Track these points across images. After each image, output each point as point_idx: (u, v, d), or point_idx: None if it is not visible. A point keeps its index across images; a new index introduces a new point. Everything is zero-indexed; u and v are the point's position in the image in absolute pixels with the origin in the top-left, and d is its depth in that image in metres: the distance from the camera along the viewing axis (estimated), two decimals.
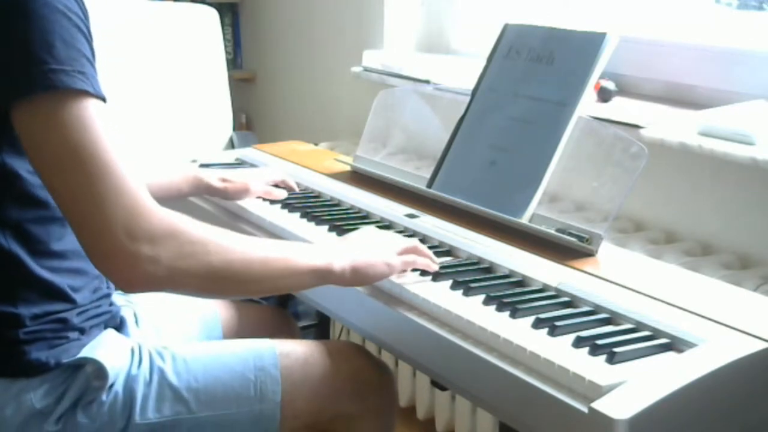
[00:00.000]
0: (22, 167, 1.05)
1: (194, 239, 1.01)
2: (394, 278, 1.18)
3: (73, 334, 1.12)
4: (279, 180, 1.64)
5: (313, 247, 1.17)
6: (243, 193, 1.57)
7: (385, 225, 1.43)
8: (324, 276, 1.12)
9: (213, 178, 1.57)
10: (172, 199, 1.55)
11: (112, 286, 1.22)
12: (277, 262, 1.08)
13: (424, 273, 1.21)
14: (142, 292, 1.04)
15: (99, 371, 1.12)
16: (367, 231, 1.24)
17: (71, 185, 0.97)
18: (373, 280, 1.17)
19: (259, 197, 1.59)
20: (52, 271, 1.10)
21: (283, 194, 1.60)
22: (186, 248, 1.00)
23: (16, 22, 0.96)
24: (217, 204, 1.62)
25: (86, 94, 0.98)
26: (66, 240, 1.10)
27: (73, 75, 0.97)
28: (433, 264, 1.21)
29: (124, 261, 0.97)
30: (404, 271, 1.19)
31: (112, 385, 1.13)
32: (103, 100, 1.00)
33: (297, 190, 1.64)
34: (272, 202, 1.57)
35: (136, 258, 0.96)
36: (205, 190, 1.57)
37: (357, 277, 1.15)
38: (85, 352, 1.11)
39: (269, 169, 1.70)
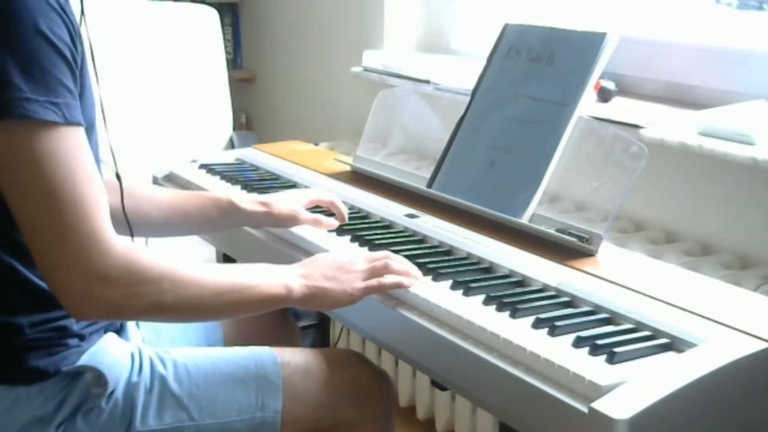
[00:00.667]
0: None
1: (149, 278, 1.01)
2: None
3: (73, 341, 1.11)
4: (326, 201, 1.45)
5: (273, 272, 1.13)
6: (291, 220, 1.39)
7: (385, 225, 1.43)
8: (281, 302, 1.12)
9: (249, 202, 1.39)
10: (201, 230, 1.47)
11: None
12: (231, 294, 1.07)
13: (425, 272, 1.20)
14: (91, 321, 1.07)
15: (99, 378, 1.11)
16: (336, 254, 1.20)
17: (31, 215, 0.97)
18: (331, 308, 1.17)
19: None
20: None
21: (334, 223, 1.41)
22: (139, 288, 1.00)
23: None
24: None
25: (57, 125, 0.96)
26: None
27: (46, 106, 0.95)
28: (407, 281, 1.16)
29: (75, 295, 0.98)
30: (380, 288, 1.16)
31: (112, 392, 1.13)
32: (80, 125, 0.99)
33: (346, 218, 1.43)
34: None
35: (87, 295, 0.98)
36: (243, 216, 1.39)
37: (314, 304, 1.15)
38: (85, 360, 1.11)
39: (314, 190, 1.52)
